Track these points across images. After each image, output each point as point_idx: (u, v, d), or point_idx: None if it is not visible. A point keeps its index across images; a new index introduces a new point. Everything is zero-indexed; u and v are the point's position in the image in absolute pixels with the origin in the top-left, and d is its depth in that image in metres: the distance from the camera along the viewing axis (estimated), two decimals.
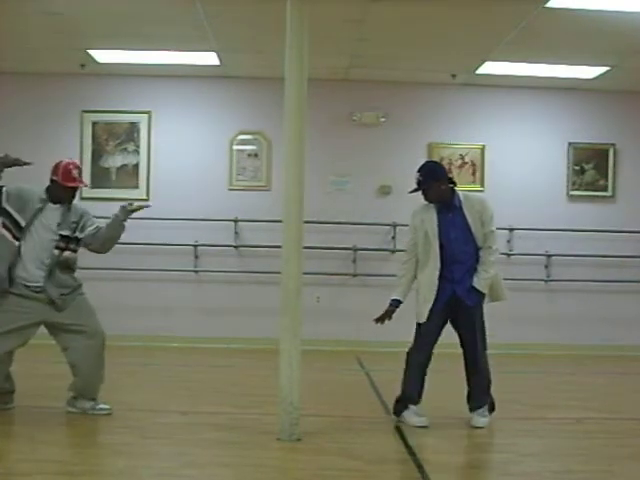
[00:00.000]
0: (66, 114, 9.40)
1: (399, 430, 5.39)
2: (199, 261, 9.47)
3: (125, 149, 9.43)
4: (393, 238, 9.45)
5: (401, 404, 5.57)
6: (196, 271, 9.48)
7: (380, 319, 5.57)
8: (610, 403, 6.62)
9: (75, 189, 5.58)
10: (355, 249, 9.49)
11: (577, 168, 9.68)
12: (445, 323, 5.57)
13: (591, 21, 6.96)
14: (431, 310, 5.44)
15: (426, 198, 5.52)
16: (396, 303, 5.53)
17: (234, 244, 9.46)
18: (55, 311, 5.48)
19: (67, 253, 5.51)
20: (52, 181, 5.53)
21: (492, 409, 5.62)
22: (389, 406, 5.81)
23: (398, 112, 9.56)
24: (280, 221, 5.22)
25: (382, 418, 5.81)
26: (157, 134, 9.48)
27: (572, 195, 9.69)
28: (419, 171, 5.52)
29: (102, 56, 8.61)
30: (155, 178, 9.41)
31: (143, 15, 7.19)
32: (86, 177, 8.52)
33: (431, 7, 6.76)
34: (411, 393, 5.52)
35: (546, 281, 9.61)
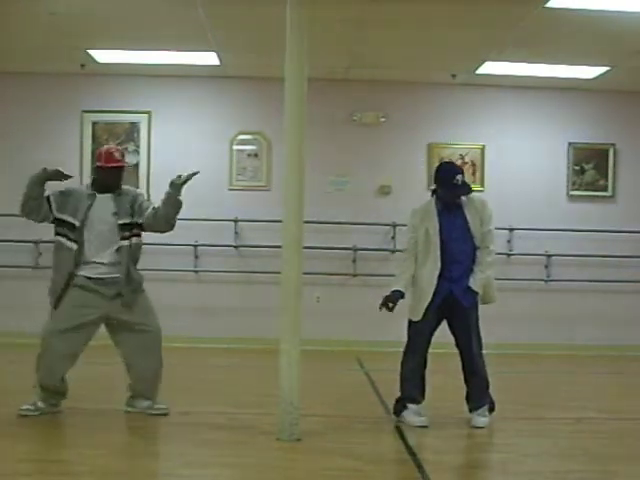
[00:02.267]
0: (66, 114, 9.40)
1: (399, 430, 5.39)
2: (199, 261, 9.47)
3: (125, 149, 9.41)
4: (393, 238, 9.45)
5: (401, 404, 5.57)
6: (196, 271, 9.48)
7: (385, 305, 5.42)
8: (610, 403, 6.62)
9: (120, 170, 5.56)
10: (355, 249, 9.49)
11: (577, 168, 9.68)
12: (439, 323, 5.56)
13: (591, 21, 6.97)
14: (427, 308, 5.45)
15: (456, 198, 5.48)
16: (399, 294, 5.47)
17: (234, 244, 9.46)
18: (120, 307, 5.45)
19: (135, 239, 5.54)
20: (96, 169, 5.59)
21: (492, 409, 5.62)
22: (389, 406, 5.81)
23: (398, 112, 9.56)
24: (280, 221, 5.22)
25: (382, 418, 5.81)
26: (157, 134, 9.48)
27: (572, 195, 9.69)
28: (459, 173, 5.46)
29: (102, 56, 8.61)
30: (155, 178, 9.40)
31: (143, 15, 7.19)
32: (86, 177, 8.53)
33: (431, 7, 6.76)
34: (410, 393, 5.53)
35: (546, 281, 9.60)
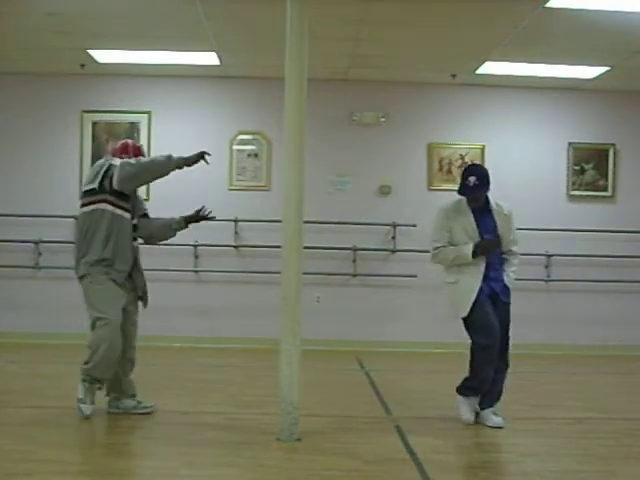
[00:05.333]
0: (66, 114, 9.40)
1: (399, 430, 5.39)
2: (199, 261, 9.47)
3: None
4: (393, 238, 9.44)
5: (471, 390, 5.54)
6: (196, 271, 9.48)
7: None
8: (610, 403, 6.62)
9: None
10: (355, 249, 9.49)
11: (577, 168, 9.69)
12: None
13: (591, 21, 6.97)
14: (475, 302, 5.48)
15: (473, 201, 5.55)
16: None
17: (234, 244, 9.46)
18: (134, 300, 5.58)
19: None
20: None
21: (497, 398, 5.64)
22: (389, 406, 5.81)
23: (398, 112, 9.56)
24: (280, 221, 5.22)
25: (382, 418, 5.81)
26: (157, 134, 9.48)
27: (572, 195, 9.69)
28: (474, 174, 5.51)
29: (102, 56, 8.61)
30: None
31: (143, 15, 7.19)
32: (85, 177, 8.51)
33: (431, 7, 6.76)
34: (487, 377, 5.49)
35: (546, 281, 9.60)
